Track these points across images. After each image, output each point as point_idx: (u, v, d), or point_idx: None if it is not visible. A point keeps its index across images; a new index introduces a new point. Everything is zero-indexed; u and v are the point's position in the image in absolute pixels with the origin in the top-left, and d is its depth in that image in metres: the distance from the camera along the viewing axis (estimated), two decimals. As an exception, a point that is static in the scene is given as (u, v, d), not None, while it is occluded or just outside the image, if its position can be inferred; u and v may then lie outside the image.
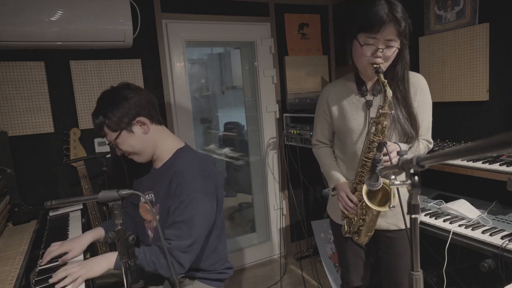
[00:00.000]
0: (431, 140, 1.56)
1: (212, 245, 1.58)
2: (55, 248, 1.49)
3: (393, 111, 1.38)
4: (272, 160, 3.23)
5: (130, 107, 1.46)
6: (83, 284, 1.30)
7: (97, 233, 1.63)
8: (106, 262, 1.37)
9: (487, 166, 1.75)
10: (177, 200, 1.41)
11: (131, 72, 2.54)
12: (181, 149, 1.58)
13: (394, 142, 1.42)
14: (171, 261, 1.36)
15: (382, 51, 1.35)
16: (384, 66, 1.38)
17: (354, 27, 1.41)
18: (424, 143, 1.53)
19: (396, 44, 1.37)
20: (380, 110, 1.36)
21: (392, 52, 1.37)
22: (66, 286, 1.26)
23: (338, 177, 1.59)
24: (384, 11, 1.31)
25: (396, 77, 1.44)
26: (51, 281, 1.28)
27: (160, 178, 1.54)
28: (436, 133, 2.34)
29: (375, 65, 1.36)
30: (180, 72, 2.76)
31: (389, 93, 1.33)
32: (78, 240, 1.56)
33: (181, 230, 1.39)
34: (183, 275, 1.56)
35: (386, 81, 1.34)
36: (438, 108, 2.38)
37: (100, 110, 1.47)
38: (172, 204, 1.43)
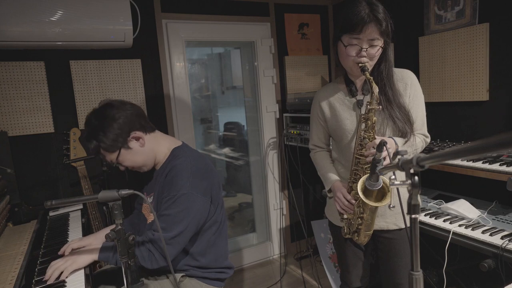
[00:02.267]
0: (428, 134, 1.57)
1: (210, 240, 1.59)
2: (75, 241, 1.56)
3: (381, 106, 1.40)
4: (272, 160, 3.23)
5: (121, 126, 1.46)
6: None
7: None
8: (90, 254, 1.41)
9: (487, 166, 1.75)
10: (168, 195, 1.44)
11: (131, 72, 2.55)
12: (178, 147, 1.60)
13: (389, 137, 1.43)
14: (153, 252, 1.39)
15: (366, 50, 1.38)
16: (369, 65, 1.41)
17: (337, 29, 1.45)
18: (420, 137, 1.53)
19: (379, 43, 1.39)
20: (368, 106, 1.38)
21: (376, 51, 1.39)
22: (54, 279, 1.33)
23: (333, 178, 1.60)
24: (365, 12, 1.34)
25: (381, 75, 1.47)
26: (45, 279, 1.33)
27: (160, 177, 1.57)
28: (436, 133, 2.35)
29: (360, 64, 1.39)
30: (180, 72, 2.76)
31: (375, 88, 1.35)
32: (97, 235, 1.65)
33: (166, 223, 1.41)
34: (183, 274, 1.56)
35: (371, 78, 1.37)
36: (438, 108, 2.39)
37: (92, 135, 1.47)
38: (164, 197, 1.46)
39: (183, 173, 1.46)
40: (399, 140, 1.44)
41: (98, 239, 1.63)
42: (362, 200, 1.33)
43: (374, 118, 1.39)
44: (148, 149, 1.54)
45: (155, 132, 1.59)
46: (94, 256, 1.41)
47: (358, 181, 1.36)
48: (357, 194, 1.35)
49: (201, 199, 1.47)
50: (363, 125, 1.42)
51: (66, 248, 1.50)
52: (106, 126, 1.44)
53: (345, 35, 1.40)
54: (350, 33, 1.38)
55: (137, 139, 1.51)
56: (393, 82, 1.48)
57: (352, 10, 1.37)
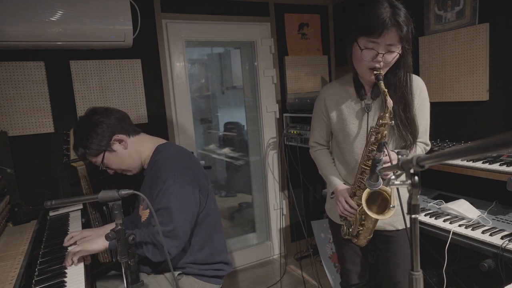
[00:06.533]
0: (428, 142, 1.54)
1: (206, 234, 1.60)
2: (76, 233, 1.62)
3: (393, 122, 1.34)
4: (272, 160, 3.23)
5: (104, 131, 1.54)
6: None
7: None
8: (101, 240, 1.43)
9: (487, 166, 1.75)
10: (156, 188, 1.47)
11: (131, 72, 2.54)
12: (162, 144, 1.65)
13: (392, 151, 1.40)
14: (156, 245, 1.41)
15: (383, 56, 1.32)
16: (383, 71, 1.35)
17: (355, 29, 1.37)
18: (421, 146, 1.51)
19: (397, 49, 1.33)
20: (381, 120, 1.33)
21: (392, 58, 1.34)
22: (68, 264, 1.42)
23: (337, 183, 1.58)
24: (387, 15, 1.27)
25: (399, 83, 1.41)
26: (64, 264, 1.42)
27: (147, 174, 1.63)
28: (436, 133, 2.35)
29: (375, 71, 1.33)
30: (180, 72, 2.76)
31: (390, 103, 1.30)
32: (98, 229, 1.71)
33: (162, 217, 1.42)
34: (180, 272, 1.57)
35: (386, 90, 1.31)
36: (438, 108, 2.39)
37: (78, 143, 1.57)
38: (153, 193, 1.49)
39: (166, 164, 1.51)
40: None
41: (98, 233, 1.65)
42: (365, 211, 1.33)
43: (386, 132, 1.34)
44: (133, 150, 1.61)
45: (139, 135, 1.66)
46: (105, 244, 1.44)
47: (362, 189, 1.36)
48: (361, 202, 1.35)
49: (188, 188, 1.48)
50: (372, 138, 1.37)
51: (70, 240, 1.58)
52: (89, 132, 1.53)
53: (362, 37, 1.33)
54: (368, 35, 1.31)
55: (120, 141, 1.58)
56: (411, 90, 1.42)
57: (373, 11, 1.29)
